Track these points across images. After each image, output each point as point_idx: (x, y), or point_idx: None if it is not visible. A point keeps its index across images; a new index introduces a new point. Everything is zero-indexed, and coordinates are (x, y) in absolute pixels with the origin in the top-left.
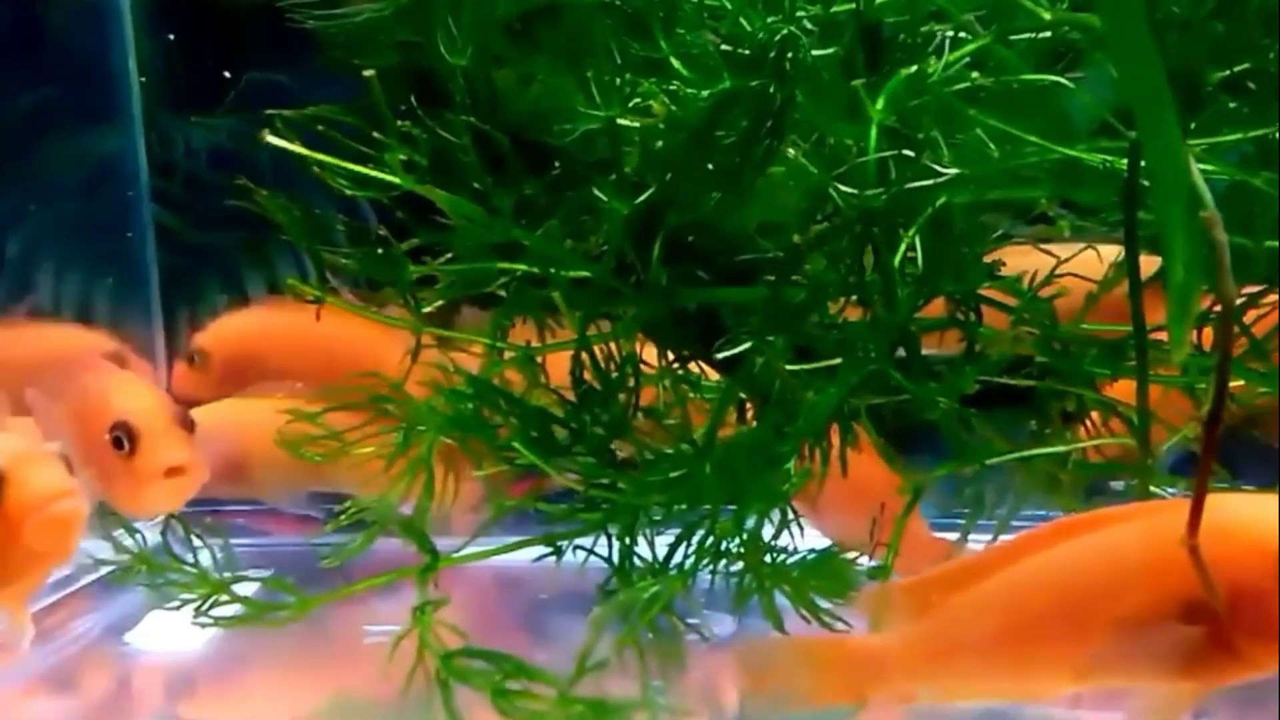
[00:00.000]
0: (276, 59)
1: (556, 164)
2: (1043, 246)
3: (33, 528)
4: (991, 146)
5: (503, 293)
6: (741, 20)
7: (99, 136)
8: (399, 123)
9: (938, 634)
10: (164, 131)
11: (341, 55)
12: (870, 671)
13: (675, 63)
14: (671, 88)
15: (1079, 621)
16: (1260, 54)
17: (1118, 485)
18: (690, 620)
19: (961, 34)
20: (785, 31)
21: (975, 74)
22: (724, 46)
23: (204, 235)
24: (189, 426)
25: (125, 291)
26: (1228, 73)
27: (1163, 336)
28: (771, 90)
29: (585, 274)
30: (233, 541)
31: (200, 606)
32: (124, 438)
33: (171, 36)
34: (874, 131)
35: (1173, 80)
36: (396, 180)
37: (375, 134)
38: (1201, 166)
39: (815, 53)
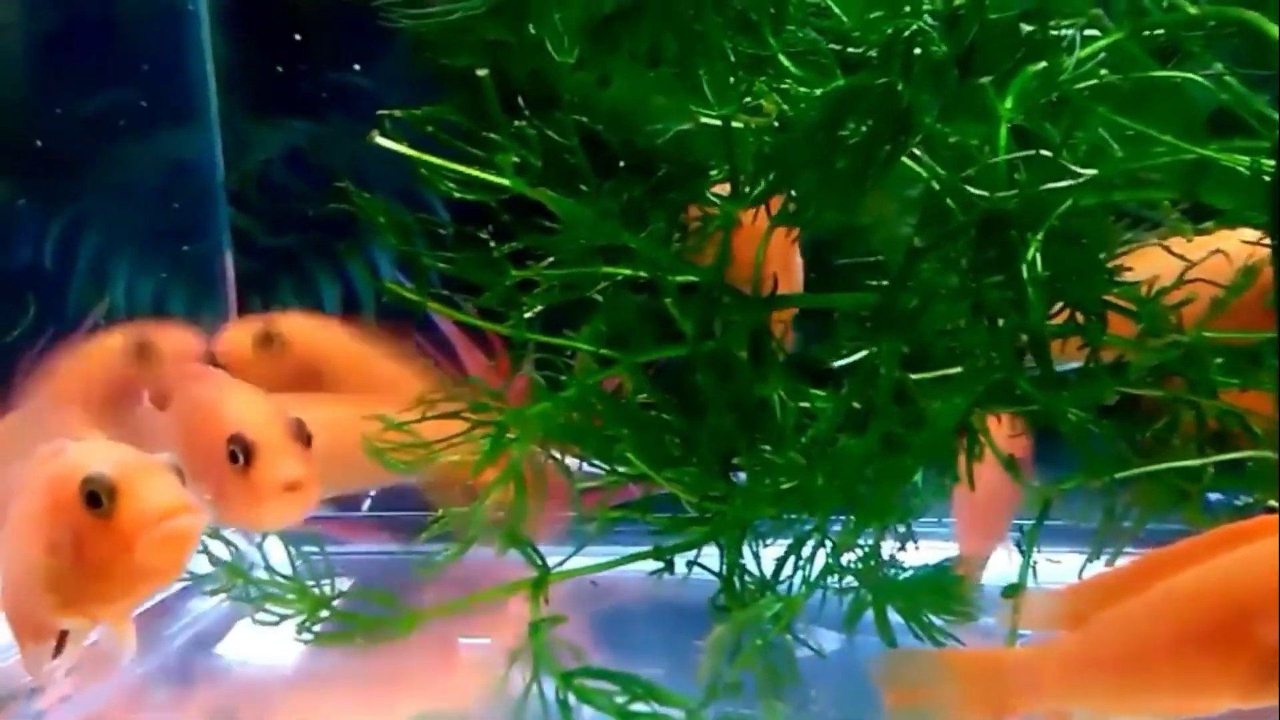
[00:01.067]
0: (354, 60)
1: (660, 167)
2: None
3: (145, 544)
4: (1115, 146)
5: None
6: (844, 18)
7: (175, 138)
8: (514, 123)
9: (1094, 647)
10: (240, 133)
11: (431, 56)
12: (1022, 686)
13: (785, 60)
14: (783, 86)
15: (1241, 636)
16: None
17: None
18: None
19: (1090, 30)
20: (913, 26)
21: (1104, 71)
22: (833, 45)
23: (279, 239)
24: (306, 440)
25: (200, 294)
26: None
27: None
28: (899, 88)
29: (693, 279)
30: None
31: (302, 622)
32: (240, 451)
33: (248, 37)
34: (1004, 131)
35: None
36: (506, 182)
37: (487, 134)
38: None
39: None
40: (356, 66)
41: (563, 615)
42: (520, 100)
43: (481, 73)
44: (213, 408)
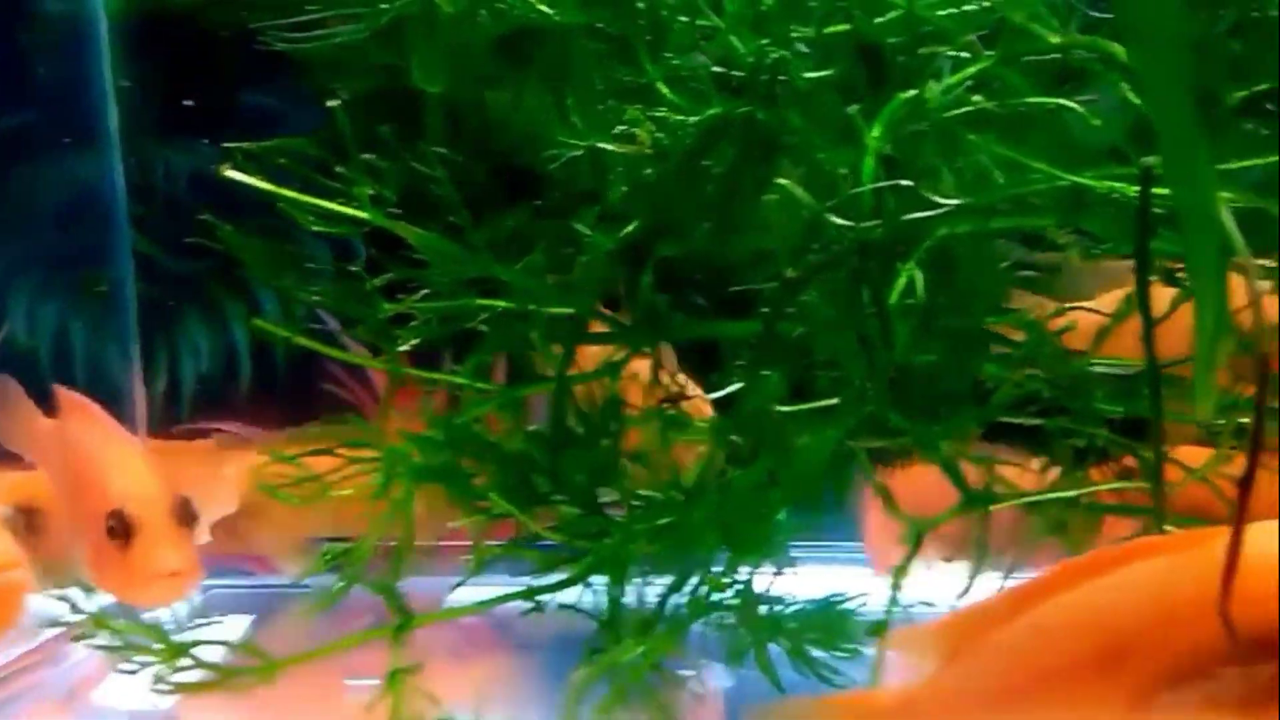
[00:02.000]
0: (263, 82)
1: (542, 194)
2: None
3: None
4: (996, 173)
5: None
6: (734, 41)
7: (76, 162)
8: (369, 155)
9: (968, 680)
10: (144, 156)
11: (322, 80)
12: None
13: (663, 88)
14: (660, 114)
15: (1126, 664)
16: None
17: None
18: (686, 672)
19: (965, 55)
20: (776, 55)
21: (977, 97)
22: (715, 69)
23: (184, 264)
24: (191, 520)
25: (103, 320)
26: (1245, 93)
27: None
28: (760, 116)
29: (568, 310)
30: (214, 583)
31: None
32: (119, 529)
33: (153, 59)
34: (869, 159)
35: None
36: (364, 215)
37: (340, 167)
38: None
39: (810, 75)
40: (265, 88)
41: (420, 663)
42: (393, 127)
43: (333, 103)
44: (97, 471)
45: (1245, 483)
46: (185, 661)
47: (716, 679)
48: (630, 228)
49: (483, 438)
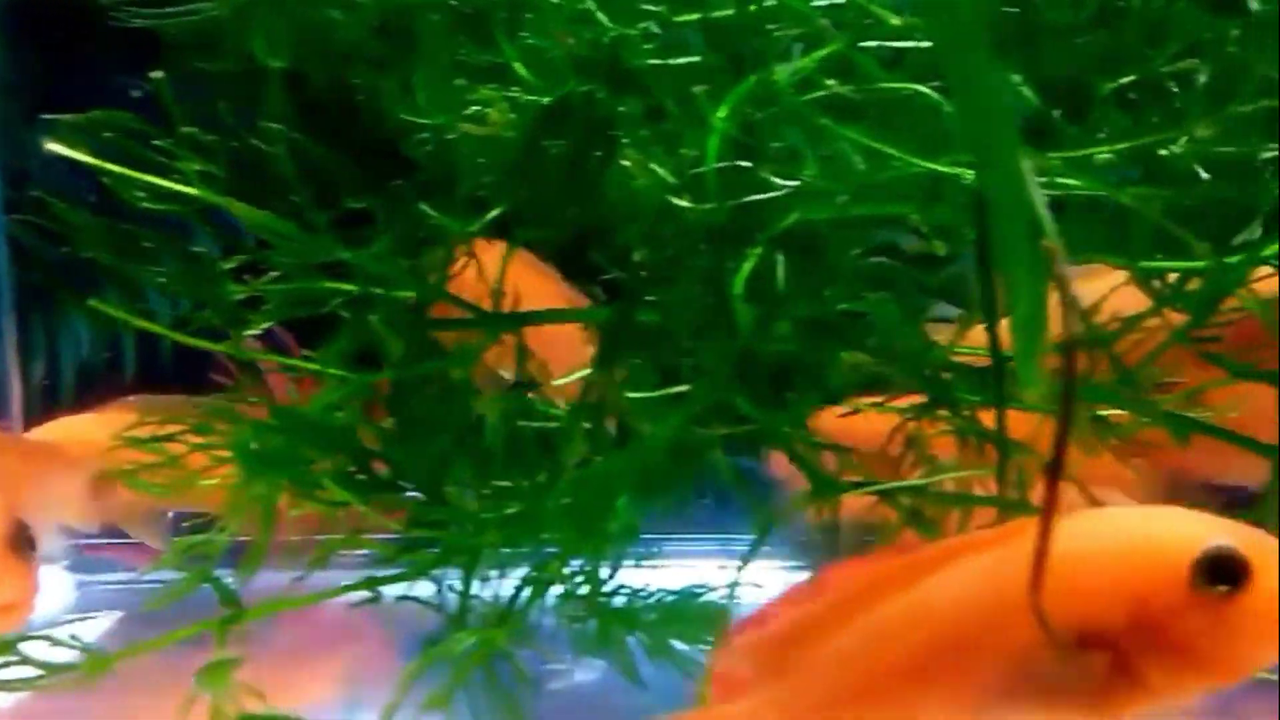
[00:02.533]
0: (142, 63)
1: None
2: None
3: None
4: (858, 160)
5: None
6: (603, 19)
7: None
8: (196, 130)
9: (803, 692)
10: (17, 139)
11: (192, 61)
12: None
13: (520, 68)
14: (514, 94)
15: (961, 660)
16: (1143, 64)
17: None
18: (556, 667)
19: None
20: (613, 34)
21: (831, 81)
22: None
23: (63, 251)
24: (27, 547)
25: None
26: (1116, 83)
27: None
28: (601, 97)
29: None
30: (99, 578)
31: None
32: None
33: (28, 40)
34: (714, 140)
35: (1052, 90)
36: (194, 192)
37: (164, 141)
38: (1066, 180)
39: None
40: (143, 69)
41: (239, 655)
42: (269, 102)
43: (157, 74)
44: None
45: (1053, 470)
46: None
47: (584, 673)
48: (495, 212)
49: (321, 425)
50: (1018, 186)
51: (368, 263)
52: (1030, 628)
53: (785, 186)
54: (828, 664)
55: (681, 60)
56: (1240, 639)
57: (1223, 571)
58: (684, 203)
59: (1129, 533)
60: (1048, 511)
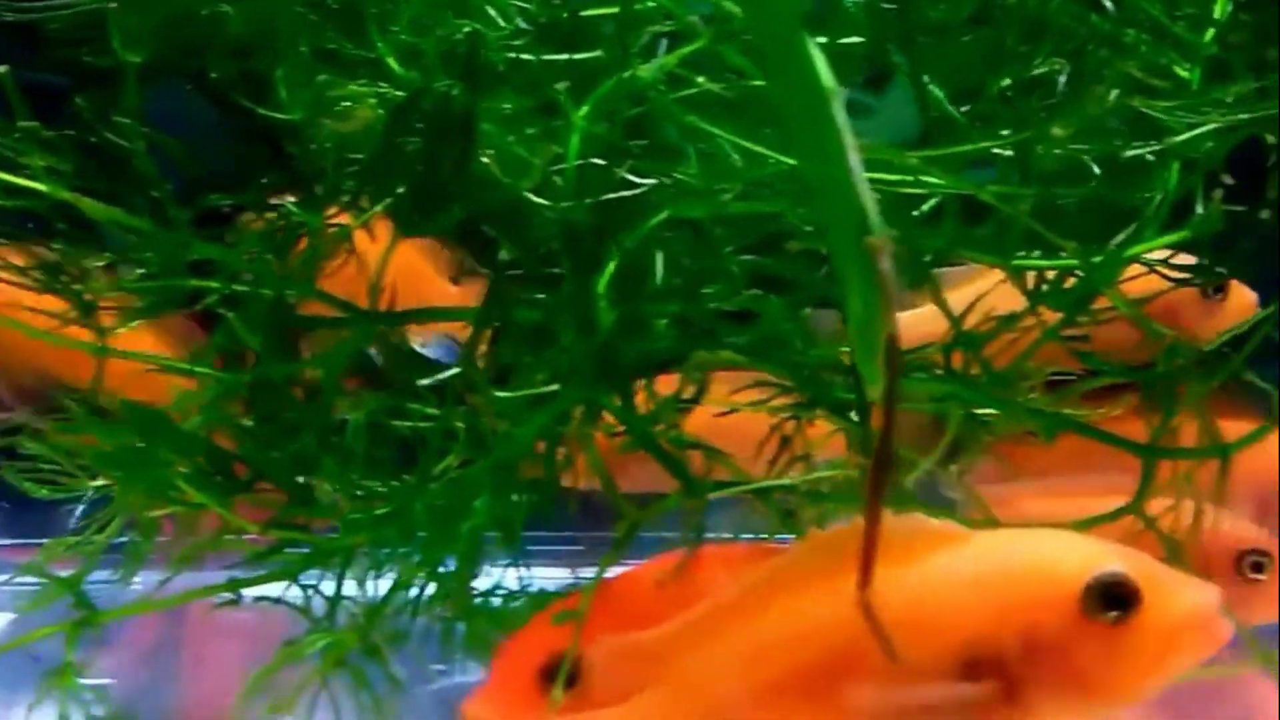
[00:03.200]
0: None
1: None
2: None
3: None
4: (736, 158)
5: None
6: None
7: None
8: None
9: (686, 696)
10: None
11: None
12: None
13: (393, 63)
14: (383, 89)
15: (838, 681)
16: (1022, 62)
17: None
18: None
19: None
20: (468, 29)
21: (701, 79)
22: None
23: None
24: None
25: None
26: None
27: None
28: (456, 94)
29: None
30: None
31: None
32: None
33: None
34: (575, 139)
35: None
36: (42, 188)
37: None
38: (931, 180)
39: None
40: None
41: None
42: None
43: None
44: None
45: (878, 468)
46: None
47: (464, 674)
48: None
49: (170, 422)
50: (844, 183)
51: (231, 259)
52: (914, 649)
53: (644, 184)
54: (707, 674)
55: (552, 57)
56: (1130, 665)
57: (1113, 597)
58: (542, 201)
59: (1020, 556)
60: (873, 507)
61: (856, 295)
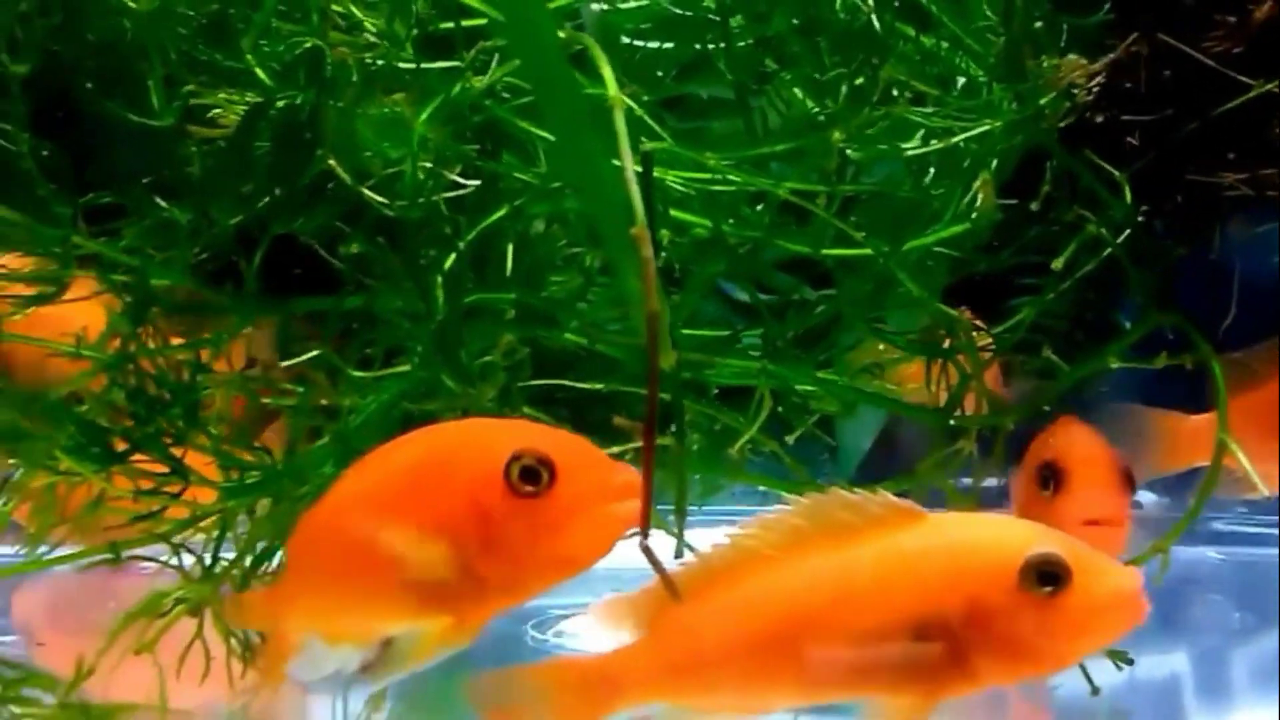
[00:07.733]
0: None
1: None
2: None
3: None
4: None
5: None
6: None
7: None
8: None
9: (669, 647)
10: None
11: None
12: (605, 690)
13: (260, 73)
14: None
15: (805, 639)
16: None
17: None
18: None
19: None
20: (310, 44)
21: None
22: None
23: None
24: None
25: None
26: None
27: None
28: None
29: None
30: None
31: None
32: None
33: None
34: (414, 142)
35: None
36: None
37: None
38: (733, 178)
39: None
40: None
41: None
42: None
43: None
44: None
45: (648, 436)
46: None
47: None
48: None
49: (45, 399)
50: (605, 181)
51: (106, 252)
52: (872, 613)
53: (471, 186)
54: (689, 628)
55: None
56: (1060, 635)
57: (1047, 575)
58: (380, 199)
59: (967, 535)
60: (647, 464)
61: (627, 277)
